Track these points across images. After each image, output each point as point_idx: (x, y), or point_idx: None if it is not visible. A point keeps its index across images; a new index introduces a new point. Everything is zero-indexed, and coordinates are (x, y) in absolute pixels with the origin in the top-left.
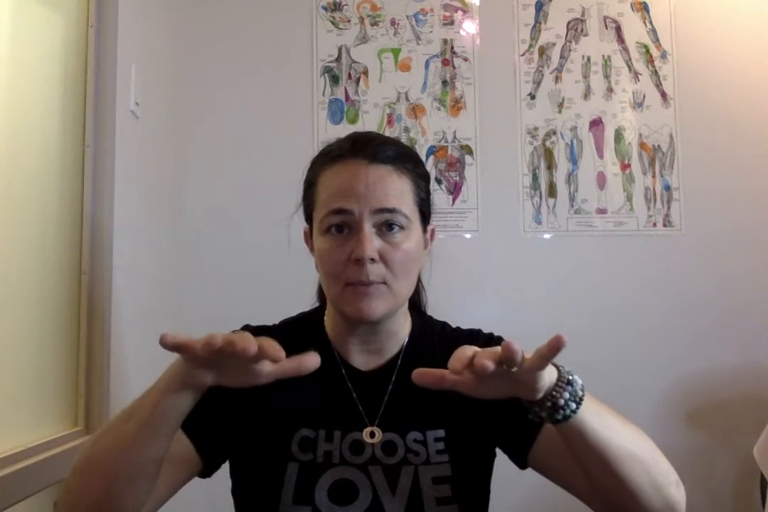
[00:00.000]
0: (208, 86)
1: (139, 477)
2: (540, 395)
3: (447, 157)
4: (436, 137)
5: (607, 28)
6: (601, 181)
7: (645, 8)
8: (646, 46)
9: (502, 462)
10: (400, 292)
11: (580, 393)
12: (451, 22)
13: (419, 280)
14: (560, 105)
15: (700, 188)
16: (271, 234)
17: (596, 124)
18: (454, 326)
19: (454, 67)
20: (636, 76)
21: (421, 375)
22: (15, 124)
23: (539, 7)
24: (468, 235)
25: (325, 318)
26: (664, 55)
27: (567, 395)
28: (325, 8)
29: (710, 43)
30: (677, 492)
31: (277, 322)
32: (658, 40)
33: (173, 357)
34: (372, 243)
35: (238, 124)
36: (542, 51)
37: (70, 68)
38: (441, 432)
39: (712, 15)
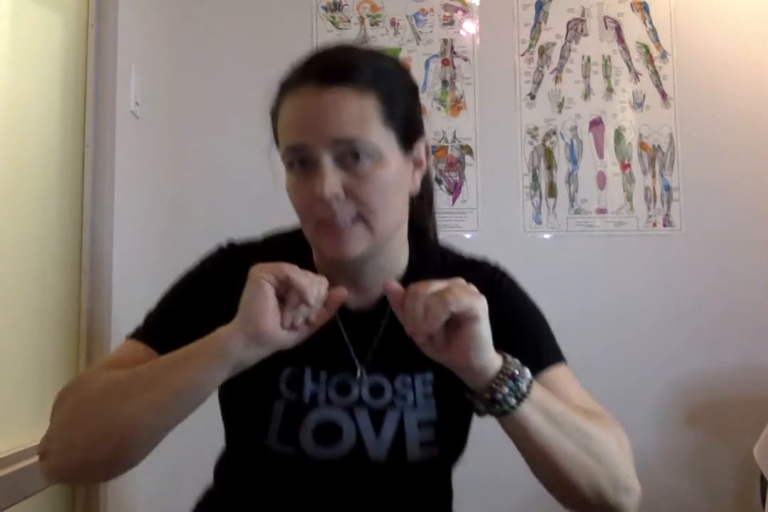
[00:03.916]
0: (208, 86)
1: (158, 440)
2: (477, 380)
3: (447, 157)
4: (436, 137)
5: (607, 28)
6: (601, 181)
7: (645, 8)
8: (646, 46)
9: (502, 462)
10: (382, 227)
11: (524, 389)
12: (451, 22)
13: (428, 204)
14: (560, 105)
15: (700, 188)
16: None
17: (596, 124)
18: (457, 252)
19: (454, 67)
20: (636, 76)
21: (388, 287)
22: (15, 124)
23: (539, 7)
24: (468, 235)
25: (313, 254)
26: (664, 55)
27: (506, 390)
28: (325, 8)
29: (710, 43)
30: (625, 498)
31: (262, 237)
32: (658, 40)
33: None
34: (330, 179)
35: (238, 124)
36: (542, 51)
37: (70, 68)
38: (429, 376)
39: (711, 15)
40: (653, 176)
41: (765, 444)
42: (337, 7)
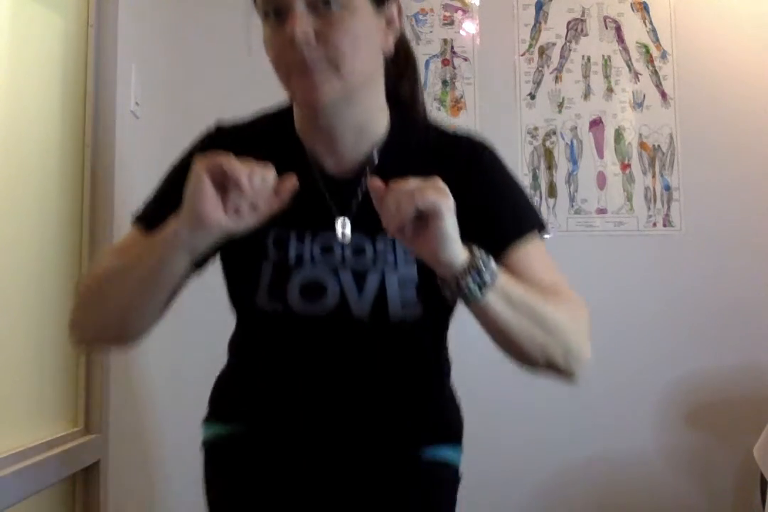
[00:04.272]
0: (208, 86)
1: (151, 312)
2: (444, 271)
3: None
4: None
5: (607, 28)
6: (601, 181)
7: (645, 8)
8: (646, 46)
9: (502, 463)
10: (351, 73)
11: (487, 280)
12: (451, 22)
13: (411, 72)
14: (560, 105)
15: (700, 188)
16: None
17: (596, 124)
18: (443, 127)
19: (454, 67)
20: (636, 76)
21: (372, 183)
22: (15, 124)
23: (539, 7)
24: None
25: (294, 116)
26: (664, 55)
27: (471, 281)
28: None
29: (710, 43)
30: (575, 365)
31: (249, 118)
32: (658, 40)
33: (173, 363)
34: (302, 21)
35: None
36: (542, 51)
37: (70, 68)
38: None
39: (712, 15)
40: (653, 176)
41: (765, 444)
42: None
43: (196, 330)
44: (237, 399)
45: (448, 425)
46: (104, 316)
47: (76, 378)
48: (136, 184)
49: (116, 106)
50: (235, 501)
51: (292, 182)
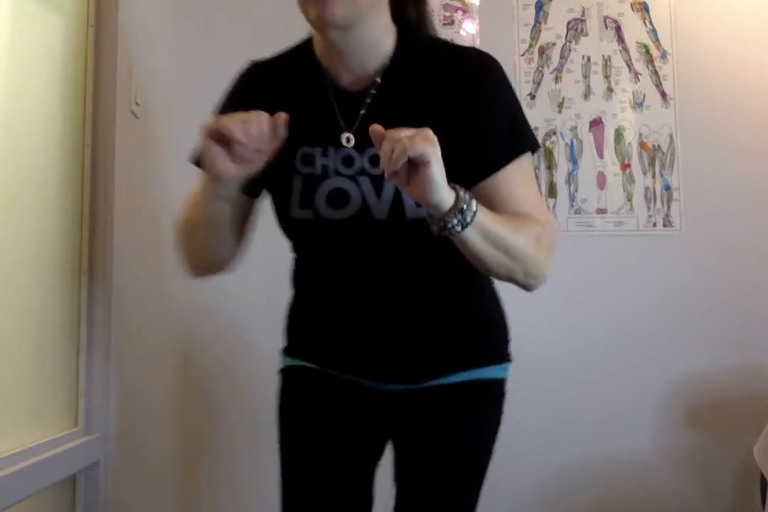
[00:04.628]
0: (208, 86)
1: (226, 244)
2: (432, 211)
3: None
4: None
5: (607, 28)
6: (601, 181)
7: (645, 8)
8: (646, 46)
9: (502, 462)
10: None
11: (468, 220)
12: (451, 22)
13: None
14: (560, 105)
15: (700, 188)
16: (277, 233)
17: (596, 124)
18: (449, 41)
19: None
20: (636, 76)
21: (373, 129)
22: (15, 124)
23: (539, 7)
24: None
25: (314, 42)
26: (664, 55)
27: (455, 220)
28: None
29: (710, 43)
30: (532, 281)
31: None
32: (658, 40)
33: (172, 361)
34: None
35: None
36: (542, 51)
37: (70, 68)
38: None
39: (712, 15)
40: (653, 176)
41: (765, 444)
42: None
43: (199, 332)
44: (296, 334)
45: (498, 343)
46: (193, 253)
47: (76, 378)
48: (136, 184)
49: (116, 106)
50: (300, 422)
51: (281, 117)
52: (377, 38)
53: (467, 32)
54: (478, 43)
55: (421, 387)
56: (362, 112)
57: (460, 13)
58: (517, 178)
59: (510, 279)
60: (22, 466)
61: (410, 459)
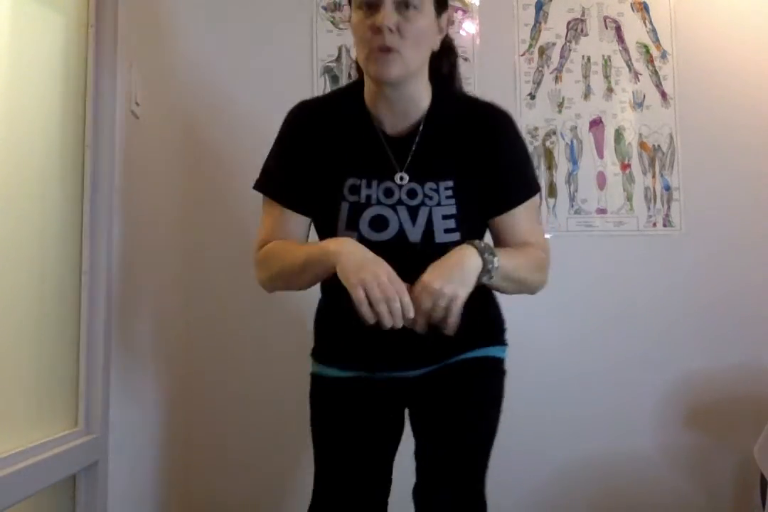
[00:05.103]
0: (208, 86)
1: (304, 284)
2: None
3: None
4: None
5: (607, 28)
6: (601, 181)
7: (645, 8)
8: (646, 46)
9: (502, 462)
10: (411, 60)
11: (493, 275)
12: (451, 22)
13: (451, 61)
14: (560, 105)
15: (700, 188)
16: None
17: (596, 124)
18: (473, 96)
19: None
20: (636, 76)
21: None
22: (15, 124)
23: (539, 7)
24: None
25: (364, 90)
26: (664, 55)
27: (485, 278)
28: (325, 8)
29: (710, 43)
30: (532, 293)
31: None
32: (658, 40)
33: (172, 361)
34: (390, 14)
35: (238, 123)
36: (542, 51)
37: (70, 68)
38: (450, 183)
39: (711, 15)
40: (653, 176)
41: (765, 444)
42: (337, 7)
43: (200, 332)
44: (327, 339)
45: (497, 330)
46: (274, 280)
47: (76, 378)
48: (136, 184)
49: (116, 106)
50: (331, 417)
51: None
52: (419, 93)
53: (467, 32)
54: (478, 43)
55: (439, 366)
56: (410, 153)
57: (460, 13)
58: (526, 214)
59: (517, 293)
60: (22, 466)
61: (430, 415)
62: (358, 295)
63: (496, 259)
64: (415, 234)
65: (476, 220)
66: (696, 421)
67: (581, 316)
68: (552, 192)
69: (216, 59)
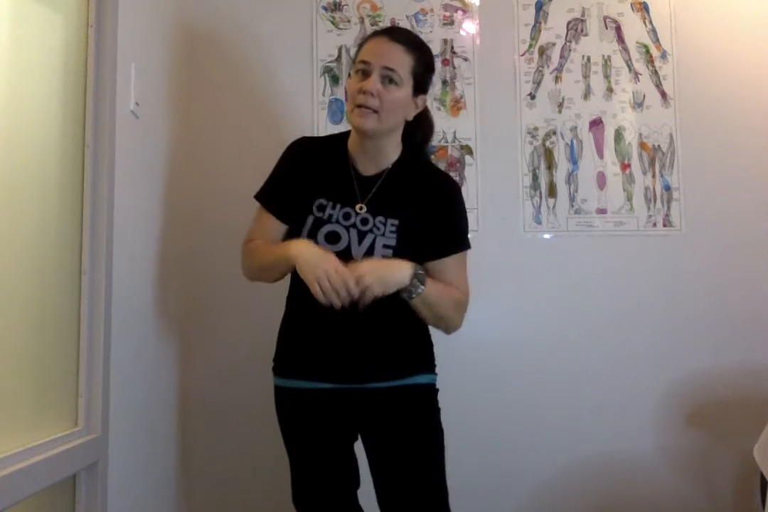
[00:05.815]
0: (209, 86)
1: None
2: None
3: (447, 157)
4: (436, 137)
5: (607, 28)
6: (601, 181)
7: (645, 8)
8: (646, 46)
9: (502, 462)
10: (385, 120)
11: (419, 292)
12: (451, 22)
13: (425, 131)
14: (560, 105)
15: (700, 188)
16: None
17: (596, 124)
18: (433, 164)
19: (454, 67)
20: (636, 76)
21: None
22: (15, 124)
23: (539, 7)
24: (468, 235)
25: (349, 138)
26: (664, 55)
27: (409, 294)
28: (325, 8)
29: (710, 43)
30: (448, 331)
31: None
32: (658, 40)
33: (172, 361)
34: (375, 83)
35: (237, 123)
36: (542, 51)
37: (70, 68)
38: (396, 221)
39: (712, 15)
40: (653, 176)
41: (765, 445)
42: (337, 7)
43: (200, 333)
44: (284, 351)
45: (428, 359)
46: (252, 271)
47: (76, 378)
48: (136, 184)
49: (116, 106)
50: (294, 426)
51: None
52: (389, 148)
53: (467, 32)
54: (478, 43)
55: (381, 386)
56: (372, 191)
57: (460, 13)
58: (455, 264)
59: (434, 327)
60: (22, 466)
61: (384, 449)
62: (315, 290)
63: (421, 288)
64: (358, 252)
65: (409, 256)
66: (696, 421)
67: (581, 316)
68: (552, 192)
69: (216, 59)
